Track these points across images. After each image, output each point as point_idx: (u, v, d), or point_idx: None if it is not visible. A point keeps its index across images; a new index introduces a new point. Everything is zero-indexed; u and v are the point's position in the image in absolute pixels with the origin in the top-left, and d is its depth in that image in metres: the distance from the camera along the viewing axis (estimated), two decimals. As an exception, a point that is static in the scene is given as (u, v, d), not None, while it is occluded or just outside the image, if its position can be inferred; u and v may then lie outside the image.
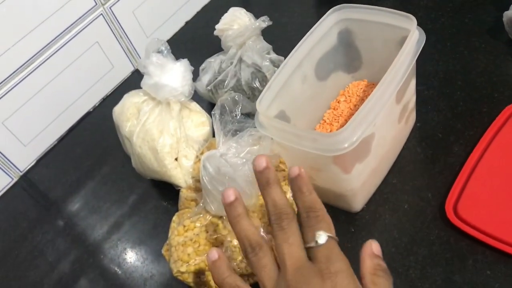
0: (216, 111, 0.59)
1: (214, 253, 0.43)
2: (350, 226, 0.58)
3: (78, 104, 0.83)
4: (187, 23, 0.94)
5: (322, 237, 0.39)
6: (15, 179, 0.78)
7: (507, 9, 0.66)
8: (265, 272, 0.40)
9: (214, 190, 0.55)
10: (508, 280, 0.49)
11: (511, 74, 0.65)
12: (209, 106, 0.76)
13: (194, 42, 0.89)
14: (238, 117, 0.61)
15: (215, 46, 0.76)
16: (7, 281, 0.66)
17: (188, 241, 0.57)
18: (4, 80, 0.72)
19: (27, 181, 0.78)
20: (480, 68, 0.67)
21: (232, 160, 0.52)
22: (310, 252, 0.40)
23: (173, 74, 0.64)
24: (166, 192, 0.68)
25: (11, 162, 0.77)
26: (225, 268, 0.43)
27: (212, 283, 0.57)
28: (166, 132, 0.64)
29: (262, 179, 0.43)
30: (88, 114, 0.85)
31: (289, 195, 0.59)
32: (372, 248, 0.42)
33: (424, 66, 0.68)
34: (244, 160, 0.52)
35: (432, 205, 0.56)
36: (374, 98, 0.49)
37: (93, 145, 0.80)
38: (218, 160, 0.53)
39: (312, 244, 0.39)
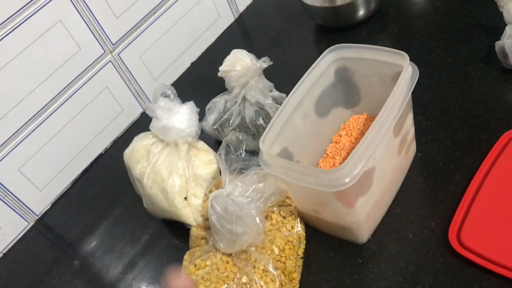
0: (221, 151, 0.61)
1: None
2: (357, 257, 0.59)
3: (90, 148, 0.86)
4: (192, 64, 0.97)
5: None
6: (32, 223, 0.81)
7: (499, 38, 0.69)
8: None
9: (223, 229, 0.57)
10: (515, 306, 0.50)
11: (507, 101, 0.67)
12: (216, 143, 0.79)
13: (200, 82, 0.92)
14: (243, 155, 0.63)
15: (219, 85, 0.79)
16: (26, 325, 0.68)
17: (199, 280, 0.59)
18: (19, 129, 0.75)
19: (43, 224, 0.81)
20: (477, 96, 0.68)
21: (238, 200, 0.55)
22: None
23: (180, 117, 0.67)
24: (177, 231, 0.70)
25: (27, 207, 0.80)
26: None
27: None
28: (175, 173, 0.66)
29: None
30: (100, 156, 0.87)
31: (296, 229, 0.61)
32: None
33: (422, 97, 0.71)
34: (250, 199, 0.55)
35: (436, 233, 0.57)
36: (371, 133, 0.51)
37: (105, 187, 0.82)
38: (225, 199, 0.56)
39: None
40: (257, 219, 0.55)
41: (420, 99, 0.70)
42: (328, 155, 0.65)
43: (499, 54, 0.69)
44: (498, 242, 0.53)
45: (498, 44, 0.68)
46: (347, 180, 0.49)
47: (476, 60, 0.73)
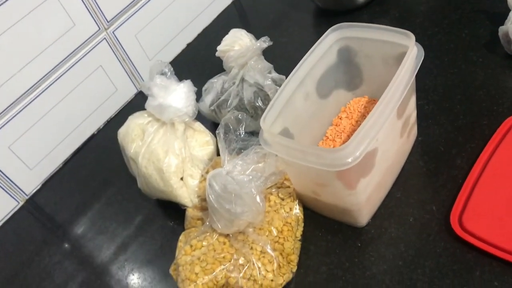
0: (220, 130, 0.60)
1: None
2: (356, 241, 0.58)
3: (82, 127, 0.84)
4: (188, 45, 0.95)
5: None
6: (21, 203, 0.79)
7: (502, 23, 0.68)
8: None
9: (221, 208, 0.56)
10: (516, 290, 0.49)
11: (509, 87, 0.66)
12: (212, 126, 0.77)
13: (196, 63, 0.91)
14: (242, 135, 0.62)
15: (216, 67, 0.77)
16: (15, 305, 0.66)
17: (195, 260, 0.58)
18: (10, 105, 0.73)
19: (33, 204, 0.79)
20: (479, 82, 0.68)
21: (239, 178, 0.53)
22: None
23: (177, 95, 0.65)
24: (172, 212, 0.68)
25: (17, 186, 0.78)
26: None
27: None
28: (172, 152, 0.65)
29: None
30: (92, 136, 0.85)
31: (294, 211, 0.60)
32: None
33: (423, 81, 0.70)
34: (250, 177, 0.53)
35: (437, 218, 0.57)
36: (376, 113, 0.50)
37: (98, 167, 0.80)
38: (224, 178, 0.54)
39: None
40: (257, 198, 0.54)
41: (422, 84, 0.69)
42: (328, 138, 0.64)
43: (502, 40, 0.68)
44: (501, 226, 0.52)
45: (501, 29, 0.67)
46: (349, 160, 0.48)
47: (479, 46, 0.72)
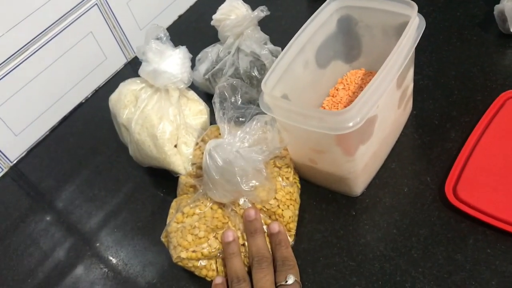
0: (216, 99, 0.59)
1: (218, 278, 0.55)
2: (351, 210, 0.58)
3: (70, 95, 0.82)
4: (180, 17, 0.94)
5: (291, 279, 0.51)
6: (5, 170, 0.77)
7: (498, 3, 0.69)
8: None
9: (222, 179, 0.54)
10: (508, 257, 0.50)
11: (503, 64, 0.67)
12: (205, 96, 0.76)
13: (188, 35, 0.89)
14: (239, 102, 0.61)
15: (209, 39, 0.76)
16: (-1, 270, 0.64)
17: (187, 227, 0.57)
18: (-4, 67, 0.71)
19: (17, 172, 0.77)
20: (473, 59, 0.68)
21: (244, 152, 0.52)
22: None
23: (172, 61, 0.64)
24: (163, 181, 0.68)
25: (1, 152, 0.75)
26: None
27: (212, 267, 0.57)
28: (166, 119, 0.63)
29: (250, 228, 0.55)
30: (80, 105, 0.84)
31: (291, 179, 0.59)
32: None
33: (419, 58, 0.70)
34: (256, 153, 0.53)
35: (432, 188, 0.57)
36: (378, 79, 0.50)
37: (86, 136, 0.79)
38: (226, 150, 0.53)
39: (283, 283, 0.51)
40: (264, 172, 0.54)
41: (417, 60, 0.69)
42: (325, 108, 0.64)
43: (497, 18, 0.68)
44: (494, 196, 0.53)
45: (497, 7, 0.68)
46: (351, 124, 0.48)
47: (473, 25, 0.73)
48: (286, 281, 0.51)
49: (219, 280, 0.55)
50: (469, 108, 0.63)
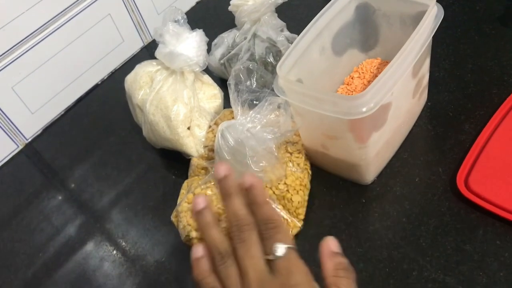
0: (231, 80, 0.59)
1: (199, 250, 0.43)
2: (361, 197, 0.58)
3: (87, 76, 0.82)
4: (198, 3, 0.94)
5: (280, 249, 0.40)
6: (21, 147, 0.78)
7: (518, -3, 0.68)
8: (231, 281, 0.40)
9: (232, 160, 0.55)
10: (517, 250, 0.50)
11: (521, 59, 0.66)
12: (220, 81, 0.76)
13: (206, 21, 0.89)
14: (254, 86, 0.61)
15: (226, 26, 0.76)
16: (11, 243, 0.66)
17: (198, 208, 0.57)
18: (16, 45, 0.71)
19: (32, 150, 0.78)
20: (491, 53, 0.68)
21: (256, 132, 0.53)
22: (270, 264, 0.40)
23: (189, 44, 0.64)
24: (175, 163, 0.68)
25: (17, 129, 0.76)
26: (207, 267, 0.42)
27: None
28: (180, 101, 0.64)
29: (222, 189, 0.44)
30: (96, 86, 0.84)
31: (302, 165, 0.59)
32: (330, 246, 0.41)
33: (436, 50, 0.69)
34: (269, 135, 0.53)
35: (443, 179, 0.57)
36: (393, 66, 0.50)
37: (101, 117, 0.79)
38: (238, 130, 0.54)
39: (271, 257, 0.40)
40: (275, 153, 0.54)
41: (433, 53, 0.69)
42: (339, 96, 0.64)
43: (517, 12, 0.68)
44: (506, 188, 0.53)
45: (518, 1, 0.67)
46: (364, 109, 0.48)
47: (492, 19, 0.72)
48: (275, 254, 0.40)
49: (199, 252, 0.43)
50: (484, 101, 0.63)
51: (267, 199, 0.43)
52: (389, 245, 0.53)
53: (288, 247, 0.40)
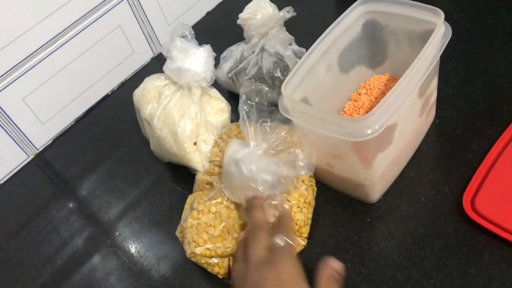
0: (241, 105, 0.59)
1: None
2: (366, 216, 0.58)
3: (97, 87, 0.83)
4: (208, 13, 0.94)
5: (282, 240, 0.49)
6: (31, 157, 0.79)
7: (531, 12, 0.67)
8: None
9: (244, 184, 0.55)
10: (524, 275, 0.49)
11: (533, 76, 0.65)
12: (227, 95, 0.77)
13: (215, 32, 0.90)
14: (265, 106, 0.61)
15: (235, 37, 0.76)
16: (20, 254, 0.67)
17: (203, 224, 0.58)
18: (27, 57, 0.72)
19: (42, 160, 0.79)
20: (501, 69, 0.67)
21: (273, 168, 0.54)
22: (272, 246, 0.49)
23: (196, 59, 0.65)
24: (182, 176, 0.68)
25: (28, 139, 0.78)
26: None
27: (225, 264, 0.57)
28: (187, 116, 0.64)
29: (249, 203, 0.55)
30: (106, 97, 0.85)
31: (307, 182, 0.59)
32: (333, 263, 0.50)
33: (445, 65, 0.69)
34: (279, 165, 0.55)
35: (449, 199, 0.56)
36: (399, 88, 0.49)
37: (110, 128, 0.80)
38: (253, 159, 0.54)
39: (276, 239, 0.49)
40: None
41: (442, 68, 0.68)
42: (346, 112, 0.64)
43: (529, 28, 0.67)
44: (513, 211, 0.52)
45: (529, 17, 0.66)
46: (369, 131, 0.48)
47: (504, 34, 0.71)
48: (277, 240, 0.49)
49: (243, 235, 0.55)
50: (494, 119, 0.62)
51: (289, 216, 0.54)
52: (394, 266, 0.53)
53: (289, 242, 0.49)
